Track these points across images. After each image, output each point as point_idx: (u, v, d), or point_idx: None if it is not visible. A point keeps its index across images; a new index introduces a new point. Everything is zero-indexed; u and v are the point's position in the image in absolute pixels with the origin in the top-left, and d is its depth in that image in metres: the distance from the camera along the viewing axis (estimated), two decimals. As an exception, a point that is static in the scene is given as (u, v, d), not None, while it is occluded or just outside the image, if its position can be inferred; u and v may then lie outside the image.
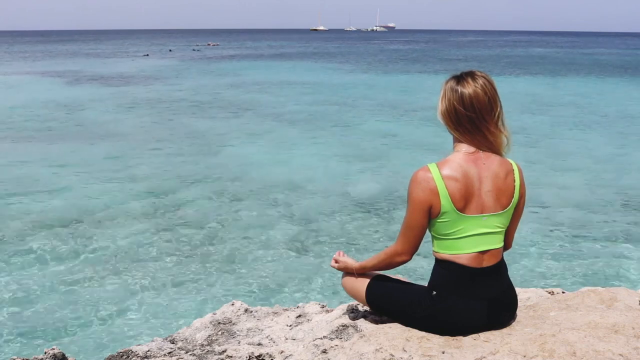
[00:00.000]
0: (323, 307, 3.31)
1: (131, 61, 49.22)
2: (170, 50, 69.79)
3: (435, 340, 2.41)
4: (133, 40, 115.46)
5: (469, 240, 2.39)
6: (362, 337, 2.53)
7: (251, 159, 13.36)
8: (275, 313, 3.30)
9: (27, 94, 25.79)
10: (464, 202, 2.36)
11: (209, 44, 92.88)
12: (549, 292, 3.28)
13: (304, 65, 46.15)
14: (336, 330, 2.82)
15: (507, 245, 2.56)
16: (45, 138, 15.67)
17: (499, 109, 2.42)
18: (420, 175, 2.38)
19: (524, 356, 2.20)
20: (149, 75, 35.41)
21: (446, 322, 2.43)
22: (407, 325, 2.55)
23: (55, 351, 2.89)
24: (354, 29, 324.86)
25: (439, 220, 2.39)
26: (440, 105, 2.48)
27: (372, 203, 9.98)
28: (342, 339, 2.70)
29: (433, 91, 26.33)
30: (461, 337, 2.42)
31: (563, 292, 3.22)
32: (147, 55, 59.42)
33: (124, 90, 27.01)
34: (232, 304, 3.38)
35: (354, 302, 3.12)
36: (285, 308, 3.38)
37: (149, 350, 2.85)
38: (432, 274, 2.48)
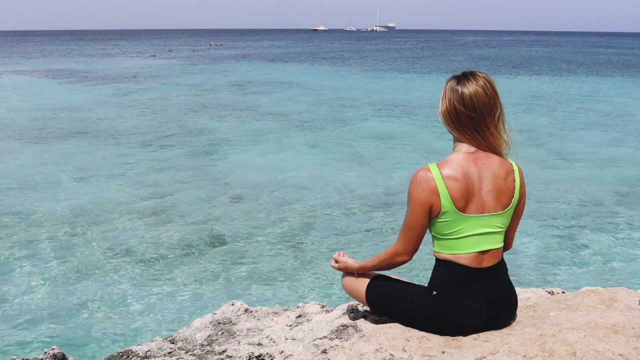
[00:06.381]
0: (323, 307, 3.31)
1: (134, 62, 49.21)
2: (170, 51, 69.71)
3: (435, 340, 2.41)
4: (133, 41, 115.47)
5: (469, 240, 2.39)
6: (362, 337, 2.52)
7: (252, 159, 13.36)
8: (275, 313, 3.30)
9: (30, 93, 25.80)
10: (464, 201, 2.36)
11: (210, 44, 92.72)
12: (549, 292, 3.28)
13: (304, 65, 46.16)
14: (336, 330, 2.82)
15: (507, 245, 2.56)
16: (48, 137, 15.67)
17: (499, 110, 2.42)
18: (420, 175, 2.38)
19: (524, 356, 2.20)
20: (150, 75, 35.41)
21: (446, 322, 2.43)
22: (407, 325, 2.56)
23: (55, 351, 2.88)
24: (354, 29, 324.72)
25: (439, 220, 2.39)
26: (441, 105, 2.48)
27: (373, 203, 9.98)
28: (342, 339, 2.70)
29: (433, 91, 26.36)
30: (461, 337, 2.43)
31: (563, 292, 3.22)
32: (154, 56, 59.33)
33: (125, 91, 27.01)
34: (232, 304, 3.38)
35: (354, 302, 3.11)
36: (285, 308, 3.38)
37: (149, 350, 2.85)
38: (432, 274, 2.48)
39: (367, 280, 2.71)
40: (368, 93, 26.48)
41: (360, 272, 2.73)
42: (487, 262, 2.43)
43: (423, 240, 2.48)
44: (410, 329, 2.52)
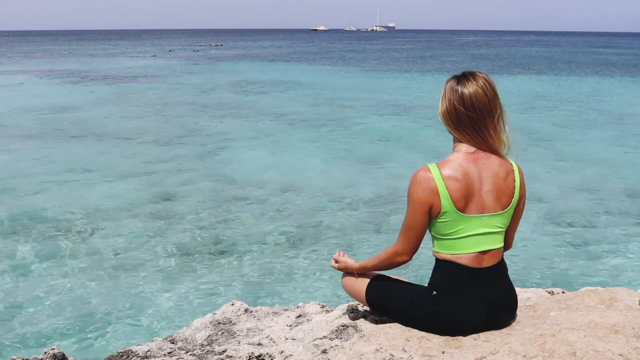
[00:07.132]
0: (323, 307, 3.31)
1: (135, 62, 49.22)
2: (170, 51, 69.68)
3: (435, 340, 2.41)
4: (134, 41, 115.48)
5: (469, 240, 2.39)
6: (362, 337, 2.52)
7: (252, 160, 13.36)
8: (275, 313, 3.30)
9: (33, 93, 25.80)
10: (464, 202, 2.36)
11: (210, 44, 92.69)
12: (549, 292, 3.28)
13: (304, 65, 46.15)
14: (336, 330, 2.82)
15: (507, 245, 2.56)
16: (49, 137, 15.68)
17: (499, 110, 2.43)
18: (420, 175, 2.38)
19: (524, 356, 2.20)
20: (151, 75, 35.42)
21: (446, 322, 2.43)
22: (407, 325, 2.56)
23: (55, 351, 2.89)
24: (354, 29, 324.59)
25: (439, 220, 2.39)
26: (440, 105, 2.49)
27: (373, 203, 9.98)
28: (342, 339, 2.70)
29: (434, 91, 26.34)
30: (461, 337, 2.43)
31: (563, 292, 3.22)
32: (155, 56, 59.32)
33: (127, 91, 27.02)
34: (232, 304, 3.38)
35: (354, 302, 3.11)
36: (285, 308, 3.38)
37: (149, 350, 2.85)
38: (432, 274, 2.48)
39: (367, 280, 2.71)
40: (368, 93, 26.47)
41: (360, 272, 2.73)
42: (487, 262, 2.43)
43: (423, 240, 2.48)
44: (410, 329, 2.52)
